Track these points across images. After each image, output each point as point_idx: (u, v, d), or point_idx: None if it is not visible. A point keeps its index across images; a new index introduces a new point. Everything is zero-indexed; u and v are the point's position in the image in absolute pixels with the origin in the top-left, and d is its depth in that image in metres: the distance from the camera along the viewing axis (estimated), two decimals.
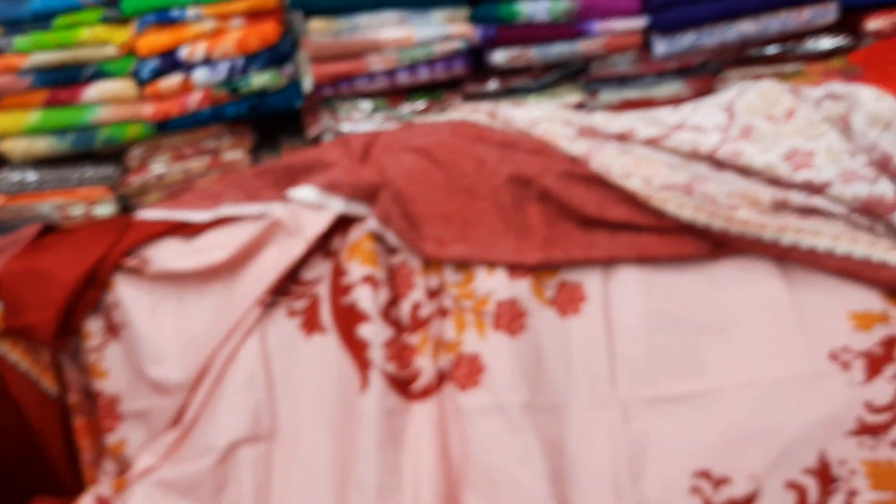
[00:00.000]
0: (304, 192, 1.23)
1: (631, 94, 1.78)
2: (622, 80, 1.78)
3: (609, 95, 1.78)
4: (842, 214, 1.13)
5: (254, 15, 1.71)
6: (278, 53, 1.71)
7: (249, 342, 1.18)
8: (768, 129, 1.22)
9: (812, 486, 1.00)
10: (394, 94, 1.76)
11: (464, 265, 1.18)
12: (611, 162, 1.22)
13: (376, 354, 1.13)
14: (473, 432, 1.09)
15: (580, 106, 1.76)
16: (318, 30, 1.66)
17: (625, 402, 1.10)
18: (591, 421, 1.10)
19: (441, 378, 1.15)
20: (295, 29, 1.79)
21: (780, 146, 1.19)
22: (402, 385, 1.13)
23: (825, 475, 1.00)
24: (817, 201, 1.14)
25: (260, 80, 1.69)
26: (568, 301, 1.16)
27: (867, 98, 1.22)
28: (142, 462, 1.15)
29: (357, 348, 1.14)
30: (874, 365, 1.04)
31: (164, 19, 1.64)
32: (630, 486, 1.05)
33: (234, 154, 1.77)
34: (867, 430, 1.01)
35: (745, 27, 1.65)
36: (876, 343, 1.06)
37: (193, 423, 1.14)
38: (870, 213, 1.12)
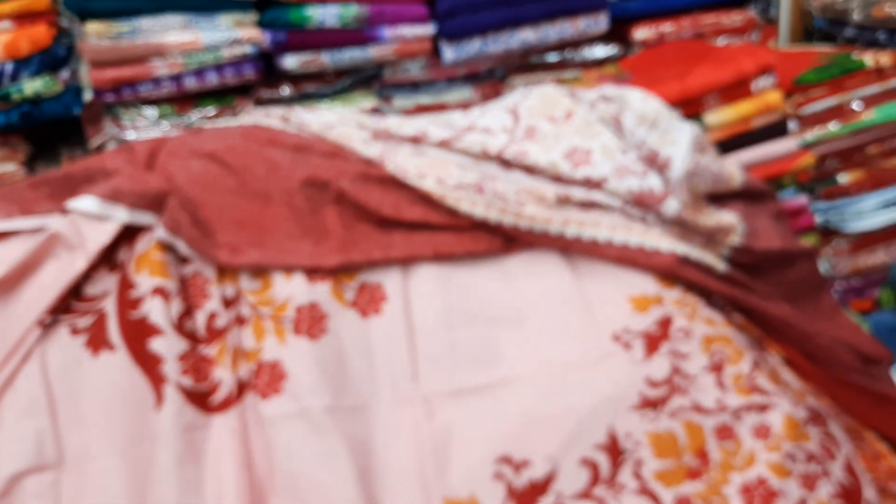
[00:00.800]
0: (85, 203, 1.16)
1: (424, 99, 1.84)
2: (415, 86, 1.84)
3: (403, 101, 1.83)
4: (618, 207, 1.22)
5: (23, 17, 1.61)
6: (52, 58, 1.61)
7: (28, 366, 1.09)
8: (550, 129, 1.29)
9: (603, 460, 1.06)
10: (182, 100, 1.70)
11: (260, 272, 1.15)
12: (406, 163, 1.24)
13: (170, 369, 1.08)
14: (277, 440, 1.07)
15: (375, 111, 1.79)
16: (96, 33, 1.57)
17: (427, 398, 1.11)
18: (395, 419, 1.10)
19: (242, 388, 1.11)
20: (72, 32, 1.69)
21: (560, 145, 1.26)
22: (201, 399, 1.09)
23: (614, 449, 1.06)
24: (596, 196, 1.22)
25: (32, 86, 1.59)
26: (369, 302, 1.16)
27: (635, 100, 1.31)
28: None
29: (149, 364, 1.08)
30: (652, 343, 1.13)
31: None
32: (436, 479, 1.06)
33: (7, 167, 1.65)
34: (648, 404, 1.09)
35: (526, 35, 1.76)
36: (652, 323, 1.14)
37: None
38: (641, 205, 1.22)
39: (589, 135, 1.27)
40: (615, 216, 1.22)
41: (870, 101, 1.82)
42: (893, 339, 1.62)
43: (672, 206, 1.20)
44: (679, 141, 1.26)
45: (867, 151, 1.85)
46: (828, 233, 1.90)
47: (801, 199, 1.71)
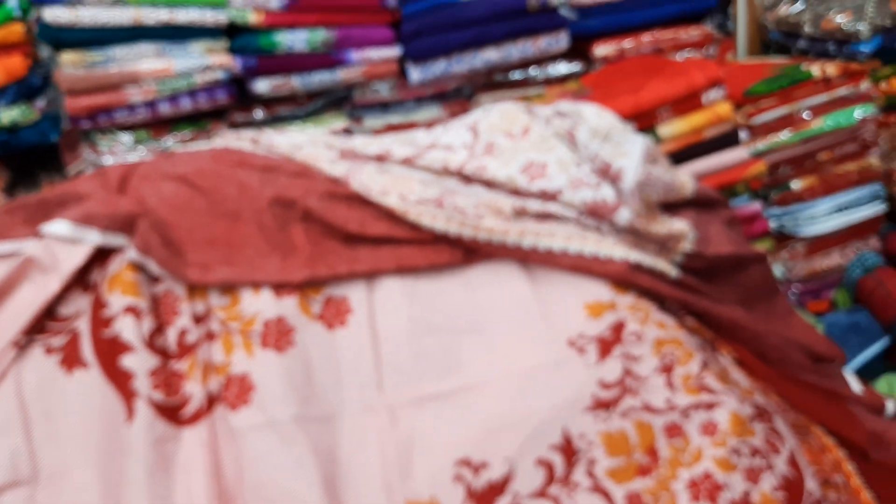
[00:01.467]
0: (58, 227, 1.19)
1: (394, 118, 1.89)
2: (385, 106, 1.89)
3: (373, 121, 1.87)
4: (573, 218, 1.27)
5: None
6: (28, 87, 1.65)
7: (3, 386, 1.12)
8: (508, 145, 1.34)
9: (558, 460, 1.10)
10: (157, 126, 1.75)
11: (229, 288, 1.19)
12: (370, 181, 1.29)
13: (141, 384, 1.11)
14: (246, 450, 1.10)
15: (346, 131, 1.84)
16: (71, 62, 1.62)
17: (392, 406, 1.15)
18: (361, 427, 1.14)
19: (212, 401, 1.14)
20: (47, 62, 1.73)
21: (518, 160, 1.31)
22: (171, 412, 1.12)
23: (568, 449, 1.10)
24: (552, 207, 1.27)
25: (9, 115, 1.63)
26: (335, 314, 1.20)
27: (590, 114, 1.36)
28: None
29: (121, 379, 1.11)
30: (605, 347, 1.17)
31: None
32: (399, 484, 1.10)
33: None
34: (601, 405, 1.13)
35: (490, 54, 1.82)
36: (606, 328, 1.18)
37: None
38: (595, 215, 1.26)
39: (545, 149, 1.32)
40: (570, 226, 1.26)
41: (818, 110, 1.88)
42: (846, 339, 1.67)
43: (624, 216, 1.25)
44: (631, 153, 1.30)
45: (818, 158, 1.91)
46: (783, 237, 1.95)
47: (755, 206, 1.76)
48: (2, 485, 1.07)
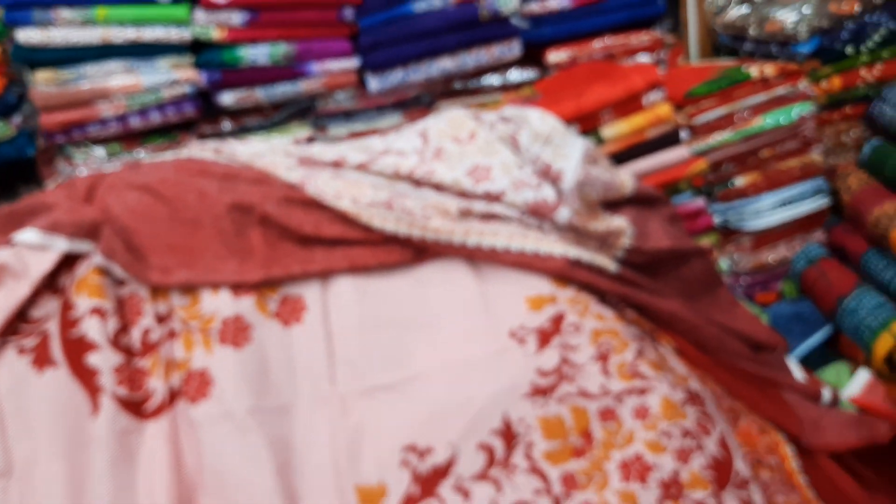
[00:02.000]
0: (27, 235, 1.26)
1: (357, 127, 1.96)
2: (348, 115, 1.96)
3: (337, 129, 1.94)
4: (515, 217, 1.33)
5: None
6: (4, 105, 1.72)
7: None
8: (455, 149, 1.41)
9: (498, 444, 1.16)
10: (129, 139, 1.82)
11: (190, 289, 1.25)
12: (324, 186, 1.35)
13: (106, 380, 1.17)
14: (205, 440, 1.16)
15: (310, 140, 1.91)
16: (45, 80, 1.70)
17: (343, 397, 1.21)
18: (314, 417, 1.20)
19: (173, 396, 1.20)
20: (24, 80, 1.80)
21: (464, 164, 1.38)
22: (135, 407, 1.18)
23: (508, 433, 1.17)
24: (496, 208, 1.34)
25: None
26: (290, 312, 1.26)
27: (532, 119, 1.44)
28: None
29: (86, 376, 1.17)
30: (544, 338, 1.23)
31: None
32: (348, 470, 1.16)
33: None
34: (539, 392, 1.19)
35: (445, 63, 1.89)
36: (546, 320, 1.25)
37: None
38: (537, 214, 1.33)
39: (489, 153, 1.39)
40: (513, 226, 1.33)
41: (758, 109, 1.95)
42: (790, 328, 1.74)
43: (564, 215, 1.32)
44: (570, 155, 1.37)
45: (760, 155, 1.97)
46: (728, 232, 2.01)
47: (699, 202, 1.83)
48: None
